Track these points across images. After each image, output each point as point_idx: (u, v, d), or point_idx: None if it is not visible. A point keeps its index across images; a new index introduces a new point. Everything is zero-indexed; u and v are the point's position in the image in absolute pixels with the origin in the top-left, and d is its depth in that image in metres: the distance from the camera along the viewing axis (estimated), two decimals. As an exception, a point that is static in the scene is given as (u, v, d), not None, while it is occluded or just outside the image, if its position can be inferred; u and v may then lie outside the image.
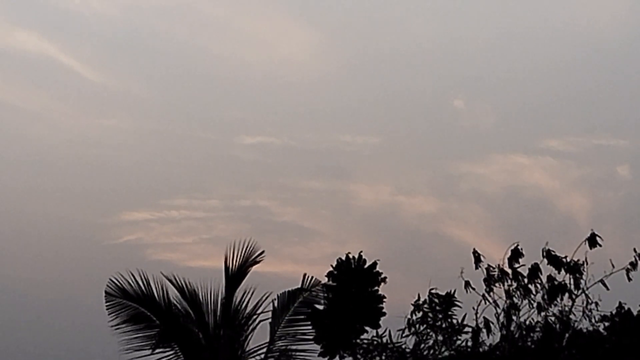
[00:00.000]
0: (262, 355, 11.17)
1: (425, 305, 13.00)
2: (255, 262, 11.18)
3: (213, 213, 27.43)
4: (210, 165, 27.63)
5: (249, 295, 11.02)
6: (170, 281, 10.83)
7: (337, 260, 12.64)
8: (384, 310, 12.76)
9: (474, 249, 13.17)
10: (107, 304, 10.64)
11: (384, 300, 12.69)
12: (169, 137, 27.78)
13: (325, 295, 12.33)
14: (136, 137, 28.01)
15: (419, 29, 27.78)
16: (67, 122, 28.48)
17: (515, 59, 27.16)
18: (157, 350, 10.75)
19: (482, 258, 13.07)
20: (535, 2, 27.95)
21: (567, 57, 26.81)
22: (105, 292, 10.64)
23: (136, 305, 10.70)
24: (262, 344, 11.20)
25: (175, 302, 10.84)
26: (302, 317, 11.72)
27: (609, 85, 26.43)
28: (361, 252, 12.93)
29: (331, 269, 12.56)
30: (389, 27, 27.86)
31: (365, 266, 12.46)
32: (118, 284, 10.61)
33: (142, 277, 10.64)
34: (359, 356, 12.89)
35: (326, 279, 12.70)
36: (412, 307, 12.90)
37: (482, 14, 27.66)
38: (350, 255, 12.62)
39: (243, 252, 10.97)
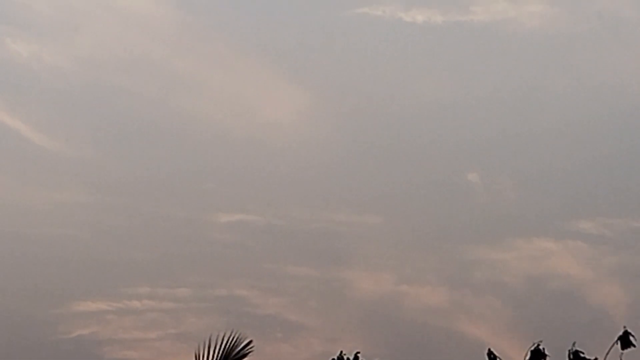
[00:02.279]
0: None
1: None
2: (242, 357, 11.04)
3: (182, 304, 28.31)
4: (179, 248, 28.17)
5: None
6: None
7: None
8: None
9: (489, 349, 13.58)
10: None
11: None
12: (131, 213, 28.71)
13: None
14: (93, 214, 28.69)
15: (423, 87, 29.77)
16: (11, 194, 29.02)
17: (542, 126, 28.65)
18: None
19: (497, 359, 13.33)
20: (565, 60, 29.73)
21: (604, 127, 28.28)
22: None
23: None
24: None
25: None
26: None
27: None
28: (358, 352, 13.41)
29: None
30: (390, 87, 29.84)
31: None
32: None
33: None
34: None
35: None
36: None
37: (502, 69, 29.37)
38: (345, 357, 13.16)
39: (223, 347, 10.80)
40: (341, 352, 13.48)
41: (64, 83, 29.55)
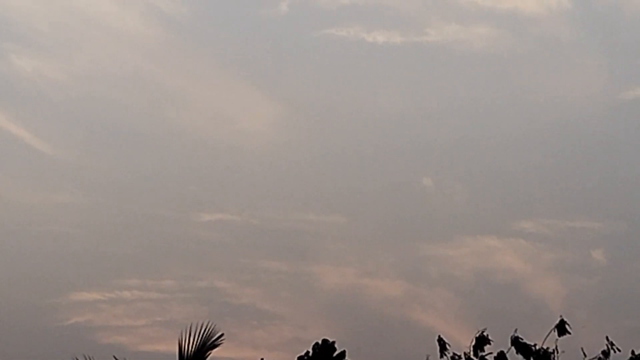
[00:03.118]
0: None
1: None
2: (214, 346, 11.17)
3: (168, 294, 27.75)
4: (165, 244, 28.06)
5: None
6: None
7: (313, 347, 13.35)
8: None
9: (439, 336, 13.69)
10: None
11: None
12: (122, 213, 28.38)
13: None
14: (88, 214, 28.34)
15: (383, 100, 29.97)
16: (14, 196, 28.81)
17: (488, 135, 29.02)
18: None
19: (447, 346, 13.51)
20: (508, 77, 30.20)
21: (542, 137, 28.72)
22: None
23: None
24: None
25: None
26: None
27: (584, 167, 28.22)
28: (334, 341, 13.58)
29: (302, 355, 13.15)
30: (354, 100, 29.88)
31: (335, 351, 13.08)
32: None
33: None
34: None
35: None
36: None
37: (453, 85, 29.79)
38: (322, 342, 13.43)
39: (200, 336, 10.92)
40: (324, 339, 13.63)
41: (63, 95, 29.51)
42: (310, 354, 13.46)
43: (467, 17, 29.74)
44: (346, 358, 13.56)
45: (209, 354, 11.32)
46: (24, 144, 28.45)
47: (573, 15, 29.52)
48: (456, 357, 13.72)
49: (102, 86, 29.93)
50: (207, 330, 10.93)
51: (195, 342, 11.16)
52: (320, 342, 13.20)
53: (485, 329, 13.86)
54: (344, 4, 29.45)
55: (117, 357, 11.13)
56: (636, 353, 14.05)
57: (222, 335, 11.11)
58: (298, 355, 13.47)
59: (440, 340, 13.56)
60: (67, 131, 29.25)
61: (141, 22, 29.96)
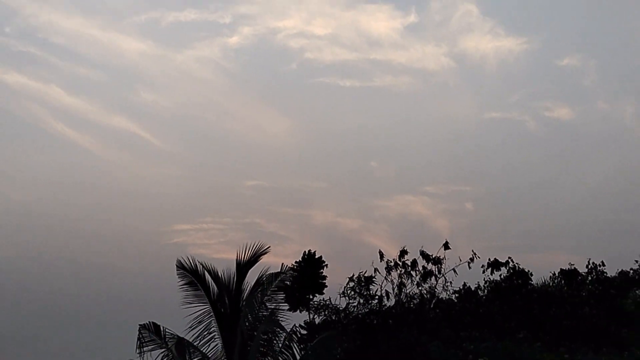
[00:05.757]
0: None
1: (354, 282, 20.56)
2: (264, 253, 16.88)
3: (227, 226, 43.75)
4: (225, 198, 46.71)
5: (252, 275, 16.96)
6: (203, 265, 16.94)
7: (303, 254, 20.43)
8: (326, 284, 20.47)
9: (380, 250, 20.76)
10: (177, 272, 16.82)
11: (326, 278, 20.50)
12: (201, 180, 46.96)
13: (293, 276, 18.90)
14: (181, 180, 47.08)
15: (348, 118, 48.42)
16: (139, 170, 47.67)
17: (407, 139, 47.19)
18: (199, 303, 16.69)
19: (384, 256, 20.51)
20: (422, 105, 48.43)
21: (438, 140, 46.67)
22: (176, 266, 16.81)
23: (190, 276, 16.68)
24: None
25: (209, 276, 16.94)
26: (280, 288, 17.61)
27: (461, 157, 45.09)
28: (315, 251, 20.73)
29: (299, 260, 20.28)
30: (331, 118, 48.89)
31: (316, 257, 20.33)
32: (183, 262, 16.85)
33: (190, 261, 16.89)
34: (311, 311, 20.50)
35: (294, 265, 20.14)
36: (345, 284, 20.39)
37: (391, 108, 47.97)
38: (307, 253, 20.28)
39: (253, 248, 16.66)
40: (309, 250, 20.72)
41: (171, 114, 48.84)
42: (302, 261, 20.38)
43: (395, 70, 46.65)
44: (325, 263, 20.57)
45: (261, 258, 16.93)
46: (148, 141, 46.87)
47: (455, 68, 46.79)
48: (389, 262, 20.44)
49: (191, 108, 48.91)
50: (257, 246, 16.78)
51: (248, 252, 16.79)
52: (307, 252, 20.42)
53: (405, 246, 20.82)
54: (327, 65, 47.46)
55: (199, 261, 16.94)
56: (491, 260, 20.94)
57: (269, 247, 17.02)
58: (295, 260, 20.47)
59: (380, 252, 20.56)
60: (171, 135, 47.51)
61: (212, 71, 48.20)
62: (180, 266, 17.20)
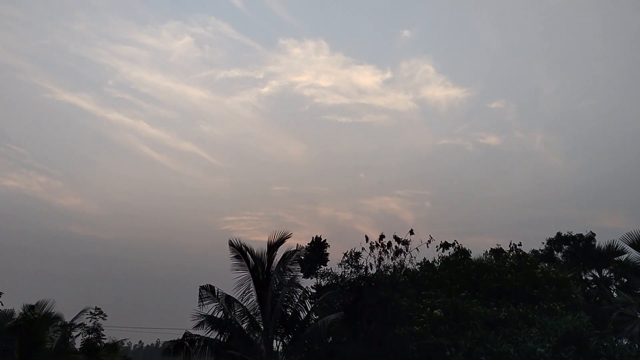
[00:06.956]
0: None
1: (348, 257, 25.26)
2: (288, 237, 21.79)
3: (260, 218, 71.00)
4: (259, 198, 79.04)
5: (279, 252, 22.42)
6: (245, 245, 22.41)
7: (312, 238, 25.80)
8: (328, 259, 25.62)
9: (365, 235, 26.43)
10: (230, 249, 22.04)
11: (328, 255, 25.66)
12: (243, 186, 74.80)
13: (306, 253, 24.55)
14: (229, 187, 66.63)
15: (344, 144, 73.52)
16: (201, 180, 75.84)
17: (385, 159, 74.69)
18: (241, 270, 22.27)
19: (369, 239, 25.75)
20: (394, 137, 70.64)
21: (403, 161, 71.02)
22: (229, 244, 22.13)
23: (237, 251, 22.00)
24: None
25: (248, 252, 22.27)
26: (297, 261, 22.92)
27: (423, 172, 67.85)
28: (320, 236, 25.88)
29: (310, 242, 25.31)
30: (332, 144, 75.99)
31: (322, 240, 25.63)
32: (232, 242, 22.15)
33: (237, 241, 22.43)
34: (318, 277, 25.55)
35: (307, 245, 25.24)
36: (341, 258, 25.46)
37: (374, 137, 76.83)
38: (315, 237, 25.69)
39: (278, 234, 21.81)
40: (316, 235, 25.56)
41: (221, 141, 79.66)
42: (312, 243, 25.13)
43: (376, 111, 66.63)
44: (327, 244, 25.58)
45: (284, 241, 21.94)
46: (209, 162, 72.99)
47: (417, 109, 72.09)
48: (372, 243, 25.55)
49: (236, 137, 75.82)
50: (282, 232, 22.28)
51: (277, 236, 22.04)
52: (315, 236, 25.60)
53: (383, 232, 26.08)
54: (329, 107, 68.41)
55: (242, 242, 22.14)
56: (443, 242, 26.24)
57: (291, 233, 22.38)
58: (307, 242, 25.31)
59: (366, 236, 25.92)
60: (222, 155, 60.85)
61: (250, 111, 79.10)
62: (231, 244, 22.54)
